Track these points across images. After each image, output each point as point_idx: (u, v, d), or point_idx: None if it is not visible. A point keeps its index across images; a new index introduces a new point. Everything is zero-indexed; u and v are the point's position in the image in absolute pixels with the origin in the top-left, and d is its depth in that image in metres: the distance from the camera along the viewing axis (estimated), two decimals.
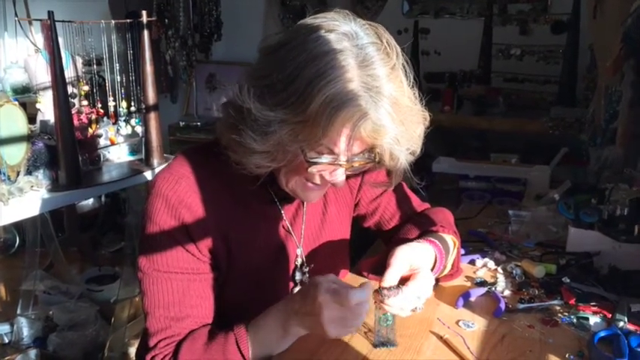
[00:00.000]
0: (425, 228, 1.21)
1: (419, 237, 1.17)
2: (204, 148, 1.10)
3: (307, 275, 1.17)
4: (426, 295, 1.02)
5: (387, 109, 0.88)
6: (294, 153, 0.92)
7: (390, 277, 0.99)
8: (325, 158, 0.92)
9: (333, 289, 0.90)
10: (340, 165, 0.93)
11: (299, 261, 1.16)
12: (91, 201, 3.33)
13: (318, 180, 0.99)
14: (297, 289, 1.16)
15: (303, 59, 0.88)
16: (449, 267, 1.19)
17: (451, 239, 1.20)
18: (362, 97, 0.86)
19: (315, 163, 0.93)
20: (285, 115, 0.89)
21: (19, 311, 2.42)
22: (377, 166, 0.99)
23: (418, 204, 1.34)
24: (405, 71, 0.94)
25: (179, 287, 1.02)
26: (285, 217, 1.14)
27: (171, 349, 1.00)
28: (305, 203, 1.17)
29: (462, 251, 1.41)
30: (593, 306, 1.15)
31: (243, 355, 0.95)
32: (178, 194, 1.01)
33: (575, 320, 1.11)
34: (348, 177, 1.07)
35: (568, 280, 1.23)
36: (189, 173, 1.03)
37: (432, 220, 1.25)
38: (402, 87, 0.92)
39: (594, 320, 1.10)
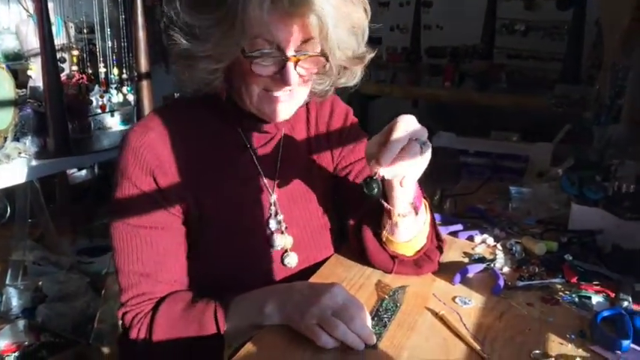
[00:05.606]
0: None
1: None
2: (175, 103, 1.12)
3: (283, 225, 1.12)
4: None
5: None
6: (235, 52, 0.91)
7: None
8: (266, 52, 0.91)
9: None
10: (284, 59, 0.91)
11: (272, 209, 1.12)
12: (83, 172, 3.30)
13: (273, 86, 0.96)
14: (275, 237, 1.11)
15: None
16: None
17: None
18: None
19: (255, 57, 0.91)
20: (211, 15, 0.90)
21: (7, 281, 2.40)
22: (328, 66, 0.97)
23: None
24: None
25: (148, 242, 1.00)
26: (257, 165, 1.11)
27: (143, 308, 0.98)
28: (280, 152, 1.14)
29: (460, 227, 1.38)
30: (596, 285, 1.11)
31: (218, 325, 0.92)
32: (146, 144, 1.00)
33: (576, 299, 1.06)
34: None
35: (570, 258, 1.19)
36: (157, 125, 1.04)
37: None
38: None
39: (597, 299, 1.06)
